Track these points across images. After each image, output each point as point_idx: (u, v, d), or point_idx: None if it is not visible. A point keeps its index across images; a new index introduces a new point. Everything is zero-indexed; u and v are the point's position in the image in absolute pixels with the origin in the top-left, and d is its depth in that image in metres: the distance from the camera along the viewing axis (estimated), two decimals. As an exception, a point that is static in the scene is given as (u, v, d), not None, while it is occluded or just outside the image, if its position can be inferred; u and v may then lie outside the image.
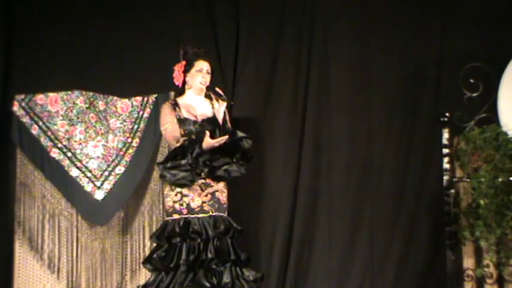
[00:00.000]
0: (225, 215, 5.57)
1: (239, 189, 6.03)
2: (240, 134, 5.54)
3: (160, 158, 6.22)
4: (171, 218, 5.54)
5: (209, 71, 5.69)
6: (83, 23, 6.56)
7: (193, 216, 5.51)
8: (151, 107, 6.34)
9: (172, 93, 6.20)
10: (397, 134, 6.40)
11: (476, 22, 6.30)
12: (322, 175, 6.41)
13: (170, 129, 5.61)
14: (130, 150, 6.33)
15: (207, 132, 5.44)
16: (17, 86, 6.47)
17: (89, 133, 6.35)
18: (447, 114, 5.85)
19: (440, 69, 6.37)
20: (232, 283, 5.44)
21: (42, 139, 6.30)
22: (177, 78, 5.70)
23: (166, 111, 5.65)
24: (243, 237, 5.61)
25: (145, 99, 6.37)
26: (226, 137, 5.44)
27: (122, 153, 6.32)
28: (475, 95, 5.82)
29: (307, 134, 6.44)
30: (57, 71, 6.53)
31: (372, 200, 6.35)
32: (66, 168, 6.28)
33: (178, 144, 5.55)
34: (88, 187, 6.29)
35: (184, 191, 5.53)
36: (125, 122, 6.36)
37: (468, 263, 5.73)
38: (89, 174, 6.29)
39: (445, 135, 5.87)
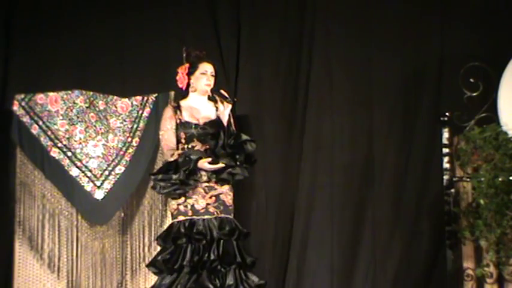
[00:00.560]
0: (231, 217, 5.54)
1: (239, 188, 6.03)
2: (244, 137, 5.51)
3: (160, 158, 6.22)
4: (176, 220, 5.51)
5: (213, 74, 5.65)
6: (82, 23, 6.55)
7: (198, 217, 5.48)
8: (151, 106, 6.33)
9: (172, 93, 6.21)
10: (397, 133, 6.40)
11: (476, 22, 6.30)
12: (323, 175, 6.40)
13: (166, 137, 5.57)
14: (131, 150, 6.32)
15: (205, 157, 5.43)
16: (17, 86, 6.46)
17: (89, 132, 6.34)
18: (447, 113, 5.86)
19: (441, 69, 6.37)
20: (236, 286, 5.40)
21: (42, 138, 6.29)
22: (181, 80, 5.64)
23: (166, 115, 5.63)
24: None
25: (145, 98, 6.36)
26: (223, 165, 5.42)
27: (122, 152, 6.32)
28: (475, 94, 5.82)
29: (308, 134, 6.43)
30: (57, 71, 6.52)
31: (373, 200, 6.35)
32: (66, 168, 6.27)
33: (172, 159, 5.49)
34: (88, 187, 6.28)
35: (188, 193, 5.50)
36: (125, 121, 6.35)
37: (468, 262, 5.72)
38: (89, 174, 6.28)
39: (445, 134, 5.88)
